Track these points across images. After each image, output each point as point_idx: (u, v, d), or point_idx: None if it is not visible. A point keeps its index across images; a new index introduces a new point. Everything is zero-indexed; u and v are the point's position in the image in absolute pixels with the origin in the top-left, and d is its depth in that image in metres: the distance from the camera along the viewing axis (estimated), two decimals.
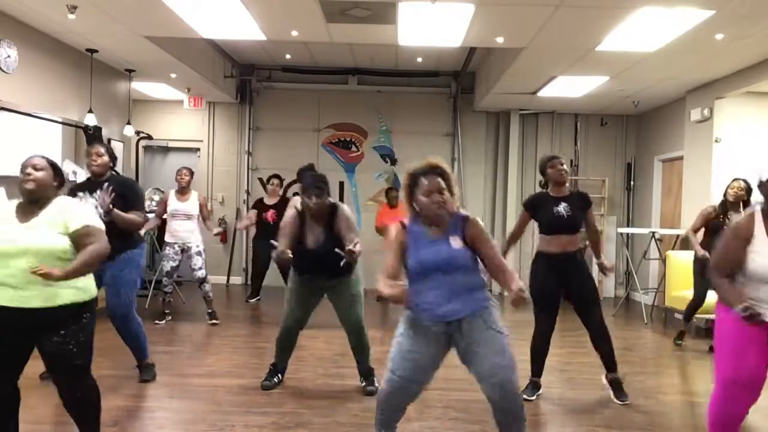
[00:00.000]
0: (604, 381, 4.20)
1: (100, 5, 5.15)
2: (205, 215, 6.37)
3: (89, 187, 4.16)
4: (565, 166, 4.13)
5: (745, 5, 4.61)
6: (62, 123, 6.50)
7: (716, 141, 7.02)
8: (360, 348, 4.20)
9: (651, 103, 8.47)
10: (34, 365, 2.89)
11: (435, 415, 3.79)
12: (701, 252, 5.53)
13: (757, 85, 6.35)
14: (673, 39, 5.42)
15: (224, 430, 3.45)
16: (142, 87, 8.31)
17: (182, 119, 9.40)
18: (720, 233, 5.56)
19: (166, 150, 9.69)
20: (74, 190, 4.17)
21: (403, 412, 2.94)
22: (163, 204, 6.35)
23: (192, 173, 6.45)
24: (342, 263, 3.61)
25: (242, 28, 5.80)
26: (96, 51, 6.61)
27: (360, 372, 4.26)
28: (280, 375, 4.31)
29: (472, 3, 4.86)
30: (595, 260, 4.25)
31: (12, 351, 2.69)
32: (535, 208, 4.17)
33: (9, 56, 5.42)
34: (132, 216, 4.05)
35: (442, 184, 2.76)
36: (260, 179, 9.32)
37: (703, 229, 5.77)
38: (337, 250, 3.59)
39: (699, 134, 7.32)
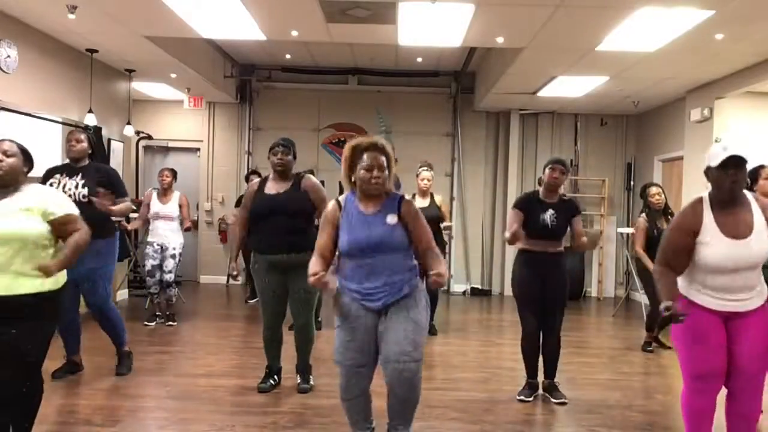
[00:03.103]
0: (540, 391, 4.19)
1: (100, 5, 5.15)
2: (184, 215, 6.34)
3: (67, 170, 4.23)
4: (563, 176, 4.06)
5: (745, 5, 4.61)
6: (62, 123, 6.49)
7: (716, 141, 7.02)
8: (304, 344, 4.18)
9: (651, 103, 8.47)
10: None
11: (435, 415, 3.79)
12: None
13: (757, 85, 6.35)
14: (673, 39, 5.42)
15: (224, 430, 3.45)
16: (142, 87, 8.31)
17: (182, 119, 9.40)
18: None
19: (166, 150, 9.69)
20: (51, 172, 4.25)
21: (370, 401, 2.98)
22: (145, 206, 6.34)
23: (174, 173, 6.44)
24: None
25: (242, 28, 5.80)
26: (96, 51, 6.61)
27: (297, 368, 4.25)
28: (276, 377, 4.29)
29: (472, 3, 4.86)
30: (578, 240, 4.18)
31: None
32: (524, 209, 4.10)
33: (9, 56, 5.42)
34: (120, 206, 4.23)
35: (383, 161, 2.80)
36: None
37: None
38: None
39: (699, 134, 7.32)
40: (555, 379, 4.18)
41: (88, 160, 4.35)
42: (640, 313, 7.26)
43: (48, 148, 6.52)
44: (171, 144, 9.51)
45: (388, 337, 2.79)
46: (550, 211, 4.04)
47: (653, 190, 5.64)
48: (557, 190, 4.10)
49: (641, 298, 7.89)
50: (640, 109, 8.82)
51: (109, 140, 7.24)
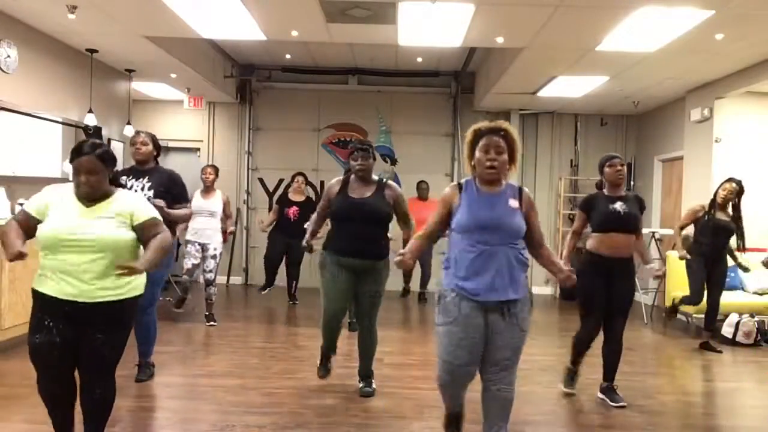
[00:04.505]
0: (598, 393, 4.19)
1: (100, 5, 5.15)
2: (228, 213, 6.44)
3: (134, 173, 4.20)
4: (623, 168, 4.06)
5: (745, 5, 4.61)
6: (62, 123, 6.50)
7: (716, 141, 7.03)
8: (367, 347, 4.15)
9: (651, 103, 8.47)
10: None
11: (435, 415, 3.79)
12: (682, 252, 5.59)
13: (757, 85, 6.36)
14: (673, 39, 5.42)
15: (224, 430, 3.45)
16: (142, 87, 8.31)
17: (182, 119, 9.40)
18: (708, 232, 5.62)
19: (166, 150, 9.64)
20: (118, 175, 4.18)
21: (466, 389, 2.99)
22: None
23: (217, 171, 6.51)
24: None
25: (242, 28, 5.79)
26: (96, 51, 6.61)
27: (359, 373, 4.23)
28: (330, 363, 4.27)
29: (472, 3, 4.86)
30: (644, 266, 4.20)
31: (65, 344, 2.64)
32: (590, 207, 4.10)
33: (9, 56, 5.42)
34: (182, 211, 4.19)
35: (502, 144, 2.77)
36: (260, 179, 9.33)
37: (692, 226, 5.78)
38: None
39: (699, 134, 7.32)
40: (613, 383, 4.15)
41: (154, 162, 4.29)
42: (641, 313, 7.26)
43: (48, 148, 6.53)
44: (171, 144, 9.48)
45: (495, 342, 2.74)
46: (620, 202, 4.02)
47: (727, 185, 5.62)
48: (621, 184, 4.09)
49: (641, 298, 7.89)
50: (640, 109, 8.82)
51: (109, 140, 7.23)
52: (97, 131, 6.72)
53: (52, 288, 2.60)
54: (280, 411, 3.78)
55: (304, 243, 4.11)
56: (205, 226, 6.25)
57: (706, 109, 7.08)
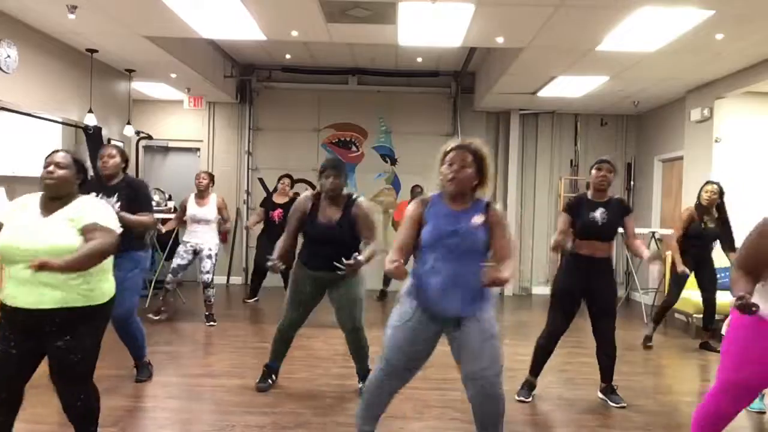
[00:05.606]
0: (598, 393, 4.20)
1: (100, 5, 5.15)
2: (224, 217, 6.37)
3: (103, 189, 4.05)
4: (611, 174, 4.04)
5: (745, 5, 4.61)
6: (62, 123, 6.50)
7: (716, 141, 7.03)
8: (357, 350, 4.17)
9: (651, 103, 8.47)
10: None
11: (435, 415, 3.79)
12: (682, 268, 5.57)
13: (757, 85, 6.35)
14: (673, 39, 5.42)
15: (224, 430, 3.45)
16: (142, 87, 8.31)
17: (182, 119, 9.39)
18: (699, 237, 5.62)
19: (166, 150, 9.69)
20: (87, 190, 4.13)
21: (387, 404, 2.96)
22: (182, 208, 6.39)
23: (211, 177, 6.46)
24: (341, 271, 3.59)
25: (242, 28, 5.79)
26: (96, 51, 6.61)
27: (358, 373, 4.24)
28: (273, 376, 4.29)
29: (472, 3, 4.86)
30: (642, 258, 4.17)
31: (22, 355, 2.64)
32: (573, 212, 4.09)
33: (9, 56, 5.42)
34: (140, 218, 4.00)
35: (468, 159, 2.74)
36: (260, 179, 9.33)
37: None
38: (338, 263, 3.52)
39: (699, 134, 7.32)
40: (612, 383, 4.15)
41: (122, 174, 4.20)
42: (640, 313, 7.26)
43: (48, 149, 6.50)
44: (171, 144, 9.50)
45: (466, 354, 2.75)
46: (601, 209, 4.01)
47: (708, 187, 5.64)
48: (606, 189, 4.07)
49: (641, 298, 7.90)
50: (640, 109, 8.82)
51: (109, 140, 7.22)
52: (97, 131, 6.72)
53: (11, 298, 2.57)
54: (280, 411, 3.78)
55: (268, 263, 3.95)
56: (200, 230, 6.25)
57: (706, 109, 7.08)
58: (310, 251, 4.04)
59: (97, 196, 4.01)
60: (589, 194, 4.13)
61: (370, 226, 3.91)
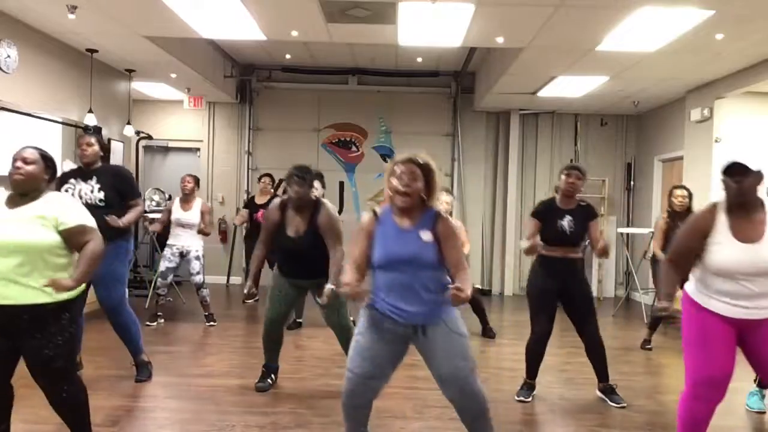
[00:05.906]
0: (597, 392, 4.21)
1: (100, 5, 5.15)
2: (205, 222, 6.28)
3: (81, 175, 4.20)
4: (580, 182, 4.05)
5: (745, 5, 4.61)
6: (62, 123, 6.50)
7: (716, 141, 7.02)
8: (342, 341, 4.16)
9: (651, 103, 8.47)
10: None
11: (435, 415, 3.79)
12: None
13: (757, 85, 6.35)
14: (673, 39, 5.42)
15: (224, 430, 3.45)
16: (142, 87, 8.31)
17: (182, 119, 9.39)
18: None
19: (166, 150, 9.69)
20: (66, 177, 4.21)
21: (369, 410, 2.95)
22: (167, 212, 6.38)
23: (197, 180, 6.43)
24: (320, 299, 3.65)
25: (242, 28, 5.80)
26: (96, 51, 6.61)
27: None
28: (273, 376, 4.29)
29: (472, 3, 4.86)
30: (595, 254, 4.22)
31: (2, 356, 2.65)
32: (542, 217, 4.10)
33: (9, 56, 5.42)
34: (137, 210, 4.18)
35: (417, 173, 2.71)
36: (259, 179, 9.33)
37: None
38: (316, 297, 3.62)
39: (699, 134, 7.32)
40: (609, 382, 4.16)
41: (101, 162, 4.29)
42: (640, 313, 7.26)
43: (48, 149, 6.49)
44: (171, 144, 9.51)
45: (437, 358, 2.75)
46: (568, 218, 4.02)
47: (677, 192, 5.64)
48: (574, 196, 4.08)
49: (641, 298, 7.89)
50: (640, 109, 8.82)
51: (109, 140, 7.22)
52: (97, 131, 6.72)
53: None
54: (280, 411, 3.78)
55: (245, 290, 4.09)
56: (185, 233, 6.23)
57: (706, 109, 7.08)
58: (283, 261, 4.10)
59: (76, 180, 4.10)
60: (557, 200, 4.14)
61: (333, 234, 3.92)
